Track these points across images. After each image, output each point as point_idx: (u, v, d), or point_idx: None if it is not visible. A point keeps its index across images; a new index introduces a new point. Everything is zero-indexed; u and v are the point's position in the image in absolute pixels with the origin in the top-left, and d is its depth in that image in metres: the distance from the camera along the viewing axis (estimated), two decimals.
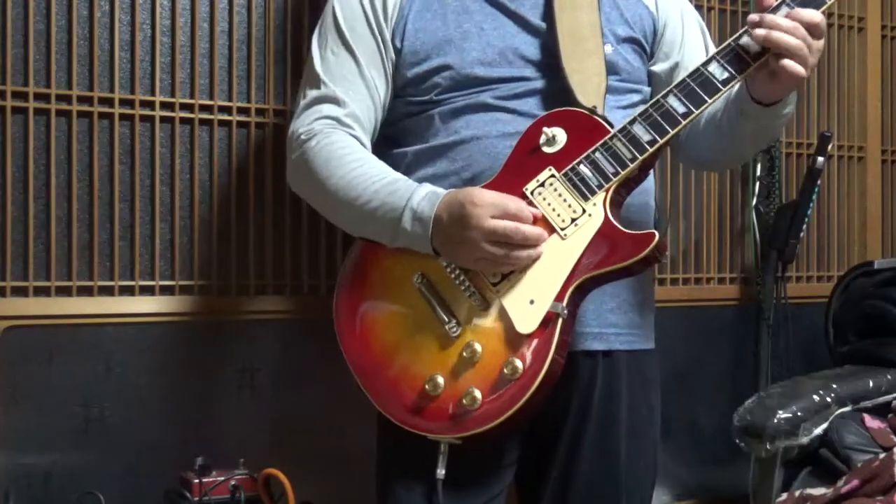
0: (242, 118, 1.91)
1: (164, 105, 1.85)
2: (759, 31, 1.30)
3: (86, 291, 1.79)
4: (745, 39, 1.33)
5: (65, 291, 1.78)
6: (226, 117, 1.89)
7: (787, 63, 1.29)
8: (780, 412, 2.05)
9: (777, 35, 1.29)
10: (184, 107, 1.86)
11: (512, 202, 1.29)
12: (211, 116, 1.88)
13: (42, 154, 1.77)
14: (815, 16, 1.31)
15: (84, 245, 1.79)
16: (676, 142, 1.59)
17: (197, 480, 1.66)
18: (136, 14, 1.82)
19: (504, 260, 1.29)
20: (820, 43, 1.32)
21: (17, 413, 1.74)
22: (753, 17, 1.32)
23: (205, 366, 1.89)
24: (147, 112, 1.83)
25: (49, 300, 1.76)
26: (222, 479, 1.68)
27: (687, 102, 1.33)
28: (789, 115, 1.45)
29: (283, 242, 1.94)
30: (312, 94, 1.47)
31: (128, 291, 1.82)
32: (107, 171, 1.80)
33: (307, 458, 1.89)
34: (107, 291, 1.81)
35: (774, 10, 1.33)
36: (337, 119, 1.44)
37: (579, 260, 1.29)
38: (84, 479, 1.75)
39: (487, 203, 1.27)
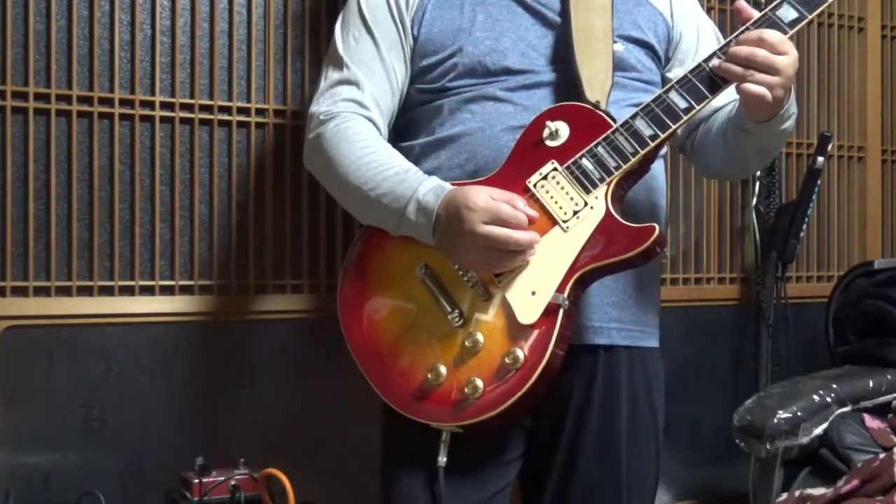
0: (242, 118, 1.91)
1: (164, 105, 1.85)
2: (725, 67, 1.32)
3: (86, 291, 1.79)
4: (745, 35, 1.34)
5: (65, 291, 1.78)
6: (226, 117, 1.90)
7: (748, 88, 1.31)
8: (780, 412, 2.05)
9: (725, 66, 1.31)
10: (184, 107, 1.86)
11: (506, 208, 1.29)
12: (211, 116, 1.88)
13: (42, 154, 1.77)
14: (759, 32, 1.31)
15: (84, 245, 1.79)
16: (689, 150, 1.61)
17: (197, 480, 1.66)
18: (136, 14, 1.82)
19: (497, 264, 1.31)
20: (783, 59, 1.31)
21: (17, 413, 1.74)
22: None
23: (205, 366, 1.89)
24: (147, 112, 1.83)
25: (49, 300, 1.76)
26: (222, 479, 1.67)
27: (688, 98, 1.34)
28: (788, 130, 1.46)
29: (283, 242, 1.94)
30: (334, 76, 1.50)
31: (128, 291, 1.82)
32: (107, 171, 1.80)
33: (307, 458, 1.89)
34: (107, 291, 1.80)
35: (760, 21, 1.34)
36: (356, 101, 1.46)
37: (580, 252, 1.31)
38: (84, 479, 1.75)
39: (481, 208, 1.28)
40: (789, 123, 1.44)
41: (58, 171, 1.77)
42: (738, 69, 1.31)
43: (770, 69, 1.31)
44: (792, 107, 1.42)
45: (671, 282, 2.41)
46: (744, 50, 1.31)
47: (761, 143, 1.47)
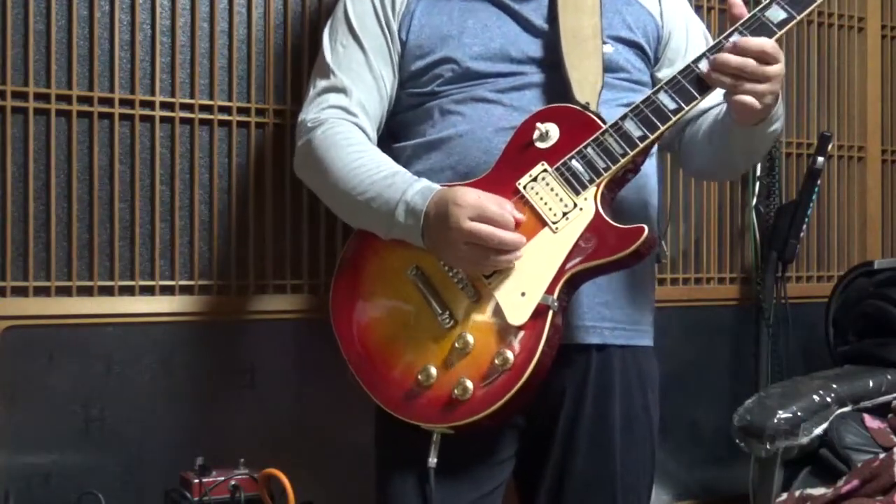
0: (242, 118, 1.91)
1: (164, 105, 1.85)
2: (714, 76, 1.32)
3: (86, 291, 1.79)
4: (734, 37, 1.34)
5: (65, 291, 1.78)
6: (226, 117, 1.90)
7: (738, 98, 1.31)
8: (780, 412, 2.05)
9: (715, 76, 1.31)
10: (184, 107, 1.86)
11: (493, 205, 1.30)
12: (211, 116, 1.88)
13: (42, 154, 1.77)
14: (762, 44, 1.31)
15: (84, 245, 1.79)
16: (677, 149, 1.61)
17: (197, 480, 1.66)
18: (136, 14, 1.82)
19: (483, 262, 1.31)
20: (774, 68, 1.32)
21: (17, 413, 1.74)
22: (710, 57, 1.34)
23: (205, 366, 1.89)
24: (147, 112, 1.83)
25: (49, 300, 1.76)
26: (222, 479, 1.67)
27: (677, 99, 1.35)
28: (776, 132, 1.47)
29: (283, 242, 1.94)
30: (322, 83, 1.51)
31: (128, 291, 1.82)
32: (107, 171, 1.80)
33: (307, 458, 1.89)
34: (107, 291, 1.81)
35: (750, 22, 1.34)
36: (343, 108, 1.47)
37: (570, 253, 1.31)
38: (84, 479, 1.75)
39: (468, 205, 1.29)
40: (777, 125, 1.45)
41: (58, 171, 1.77)
42: (727, 80, 1.31)
43: (761, 78, 1.31)
44: (779, 109, 1.42)
45: (671, 282, 2.41)
46: (733, 60, 1.31)
47: (748, 145, 1.47)
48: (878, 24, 2.75)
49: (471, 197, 1.30)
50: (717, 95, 1.43)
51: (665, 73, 1.54)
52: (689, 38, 1.59)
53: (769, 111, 1.37)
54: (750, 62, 1.31)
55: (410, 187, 1.35)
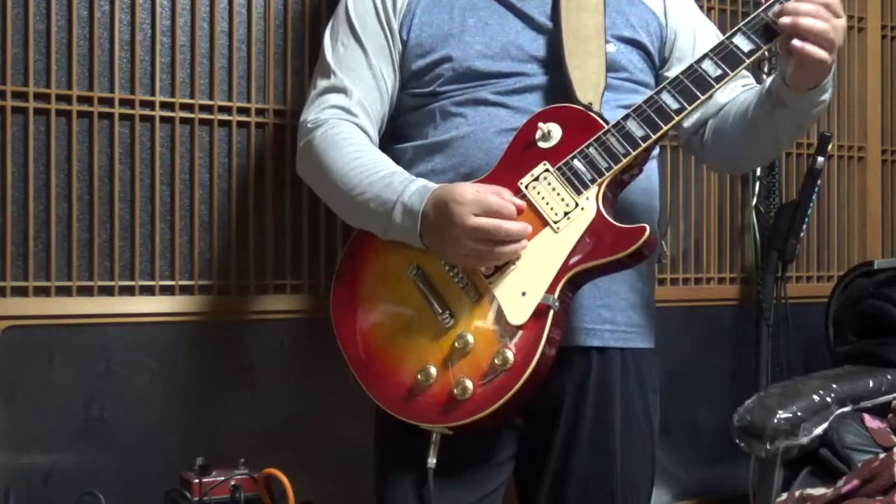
0: (242, 118, 1.91)
1: (164, 105, 1.85)
2: (786, 20, 1.31)
3: (86, 291, 1.79)
4: (737, 37, 1.35)
5: (65, 291, 1.78)
6: (226, 117, 1.90)
7: (812, 49, 1.30)
8: (780, 412, 2.05)
9: (805, 21, 1.30)
10: (184, 107, 1.86)
11: (494, 199, 1.29)
12: (211, 116, 1.88)
13: (42, 154, 1.77)
14: None
15: (84, 245, 1.79)
16: (699, 146, 1.60)
17: (197, 480, 1.66)
18: (136, 14, 1.82)
19: (489, 256, 1.31)
20: (842, 21, 1.32)
21: (17, 413, 1.74)
22: (776, 7, 1.33)
23: (205, 366, 1.89)
24: (147, 112, 1.83)
25: (49, 300, 1.76)
26: (222, 479, 1.67)
27: (680, 99, 1.34)
28: (827, 100, 1.45)
29: (283, 242, 1.94)
30: (322, 84, 1.51)
31: (128, 291, 1.82)
32: (107, 171, 1.80)
33: (307, 458, 1.89)
34: (107, 291, 1.81)
35: (753, 23, 1.35)
36: (344, 108, 1.47)
37: (571, 253, 1.31)
38: (84, 479, 1.75)
39: (470, 201, 1.28)
40: (828, 94, 1.43)
41: (58, 171, 1.77)
42: (823, 24, 1.29)
43: (836, 28, 1.31)
44: (829, 78, 1.40)
45: (671, 282, 2.41)
46: (803, 6, 1.30)
47: (799, 115, 1.45)
48: (878, 24, 2.75)
49: (469, 192, 1.29)
50: (731, 90, 1.41)
51: (673, 73, 1.54)
52: (696, 37, 1.58)
53: (828, 73, 1.36)
54: (821, 9, 1.30)
55: (407, 188, 1.35)
